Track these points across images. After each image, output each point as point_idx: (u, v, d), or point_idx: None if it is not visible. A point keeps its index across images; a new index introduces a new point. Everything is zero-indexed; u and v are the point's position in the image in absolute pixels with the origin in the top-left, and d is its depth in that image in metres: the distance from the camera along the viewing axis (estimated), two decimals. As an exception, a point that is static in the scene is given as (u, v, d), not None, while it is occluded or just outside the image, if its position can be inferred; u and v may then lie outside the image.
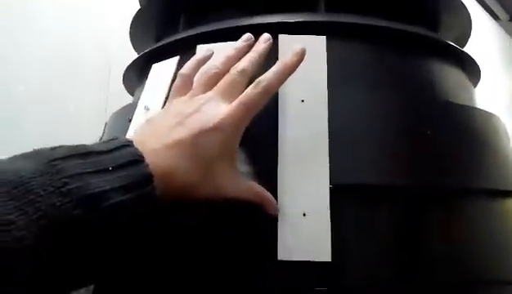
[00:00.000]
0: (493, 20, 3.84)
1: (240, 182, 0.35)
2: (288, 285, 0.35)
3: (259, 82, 0.34)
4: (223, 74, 0.36)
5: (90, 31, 1.08)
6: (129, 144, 0.30)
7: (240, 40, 0.39)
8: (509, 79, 4.02)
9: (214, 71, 0.36)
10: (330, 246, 0.35)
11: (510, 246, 0.46)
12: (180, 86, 0.38)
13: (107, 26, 1.09)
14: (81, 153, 0.28)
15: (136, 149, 0.29)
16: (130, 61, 0.54)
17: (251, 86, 0.34)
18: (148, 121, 0.35)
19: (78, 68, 1.06)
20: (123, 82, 0.59)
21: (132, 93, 0.61)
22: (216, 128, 0.32)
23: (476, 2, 3.38)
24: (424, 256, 0.38)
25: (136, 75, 0.55)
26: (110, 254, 0.28)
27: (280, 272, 0.35)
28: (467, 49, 0.56)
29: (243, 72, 0.36)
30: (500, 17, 4.03)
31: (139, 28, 0.59)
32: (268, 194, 0.35)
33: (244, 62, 0.37)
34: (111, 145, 0.29)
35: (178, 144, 0.31)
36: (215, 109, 0.34)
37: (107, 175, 0.27)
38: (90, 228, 0.26)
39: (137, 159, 0.29)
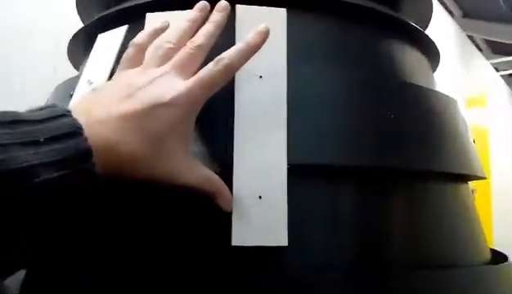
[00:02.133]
0: (448, 16, 3.99)
1: (195, 168, 0.32)
2: (242, 271, 0.33)
3: (220, 59, 0.32)
4: (178, 49, 0.34)
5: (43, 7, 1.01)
6: (66, 113, 0.27)
7: (194, 9, 0.37)
8: (463, 73, 4.20)
9: (168, 46, 0.34)
10: (287, 230, 0.33)
11: (465, 229, 0.46)
12: (131, 57, 0.35)
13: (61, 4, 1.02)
14: (8, 122, 0.25)
15: (75, 119, 0.26)
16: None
17: (211, 63, 0.32)
18: (95, 90, 0.33)
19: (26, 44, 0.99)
20: (68, 55, 0.54)
21: (77, 67, 0.56)
22: (170, 104, 0.30)
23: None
24: (384, 239, 0.37)
25: (81, 47, 0.51)
26: (41, 232, 0.26)
27: (234, 258, 0.33)
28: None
29: (200, 46, 0.34)
30: (455, 13, 4.19)
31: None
32: (225, 188, 0.33)
33: (202, 36, 0.34)
34: (46, 114, 0.26)
35: (127, 116, 0.29)
36: (170, 83, 0.31)
37: (38, 147, 0.24)
38: (16, 205, 0.23)
39: (75, 131, 0.26)
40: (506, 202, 4.98)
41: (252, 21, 0.37)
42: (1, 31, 0.97)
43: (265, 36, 0.34)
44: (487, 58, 5.23)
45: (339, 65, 0.40)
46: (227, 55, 0.33)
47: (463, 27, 4.23)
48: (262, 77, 0.36)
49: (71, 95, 0.41)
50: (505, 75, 5.92)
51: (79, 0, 0.55)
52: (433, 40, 0.51)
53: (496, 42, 4.73)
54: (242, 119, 0.35)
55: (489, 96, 4.71)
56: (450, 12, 4.05)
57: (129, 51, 0.35)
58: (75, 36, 0.49)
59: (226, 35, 0.36)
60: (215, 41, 0.35)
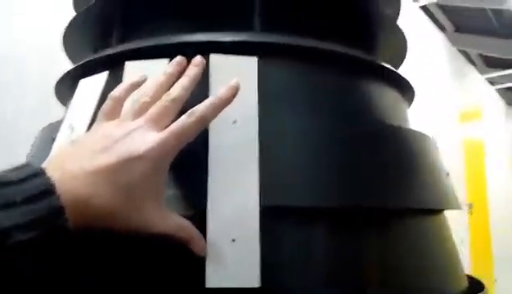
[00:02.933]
0: (440, 31, 4.04)
1: (168, 217, 0.34)
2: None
3: (193, 112, 0.34)
4: (154, 103, 0.35)
5: (36, 36, 1.02)
6: (40, 172, 0.28)
7: (171, 63, 0.38)
8: (455, 87, 4.23)
9: (144, 100, 0.35)
10: (259, 271, 0.34)
11: (442, 260, 0.47)
12: (109, 110, 0.36)
13: (54, 32, 1.04)
14: None
15: (47, 178, 0.28)
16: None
17: (185, 116, 0.34)
18: (73, 142, 0.34)
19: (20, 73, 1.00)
20: (56, 95, 0.56)
21: (66, 104, 0.58)
22: (142, 157, 0.31)
23: (424, 14, 3.55)
24: (359, 277, 0.38)
25: (67, 89, 0.52)
26: (18, 288, 0.27)
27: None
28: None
29: (175, 100, 0.35)
30: (447, 28, 4.24)
31: (73, 38, 0.56)
32: (198, 234, 0.34)
33: (177, 89, 0.36)
34: (20, 175, 0.28)
35: (100, 170, 0.30)
36: (145, 136, 0.32)
37: (12, 209, 0.26)
38: None
39: (48, 190, 0.27)
40: (504, 214, 4.97)
41: (225, 69, 0.39)
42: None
43: (235, 90, 0.36)
44: (482, 72, 5.28)
45: (312, 109, 0.42)
46: (200, 108, 0.34)
47: (455, 41, 4.28)
48: (235, 122, 0.38)
49: (53, 139, 0.43)
50: (499, 89, 5.96)
51: (66, 38, 0.56)
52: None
53: (489, 56, 4.78)
54: (216, 164, 0.37)
55: (484, 110, 4.75)
56: (441, 27, 4.11)
57: (107, 103, 0.36)
58: (61, 79, 0.51)
59: (201, 80, 0.38)
60: (190, 93, 0.36)
